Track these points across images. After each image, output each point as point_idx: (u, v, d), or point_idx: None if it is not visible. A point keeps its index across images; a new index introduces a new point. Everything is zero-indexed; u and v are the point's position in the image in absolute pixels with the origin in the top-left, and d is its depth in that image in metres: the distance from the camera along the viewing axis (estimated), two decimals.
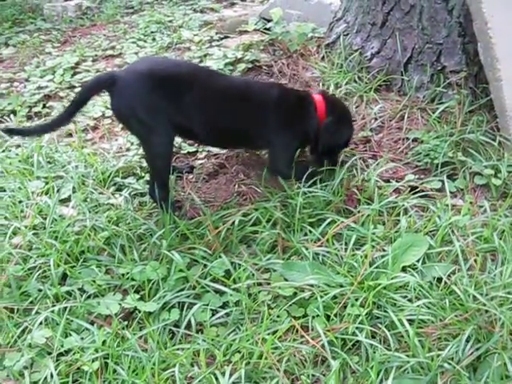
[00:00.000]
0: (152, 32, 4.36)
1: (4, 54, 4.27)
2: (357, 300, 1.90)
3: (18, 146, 2.86)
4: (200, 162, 2.72)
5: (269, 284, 2.02)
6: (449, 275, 2.03)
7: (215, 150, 2.78)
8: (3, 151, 2.83)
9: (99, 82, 2.34)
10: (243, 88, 2.47)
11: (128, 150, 2.81)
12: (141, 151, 2.74)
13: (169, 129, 2.27)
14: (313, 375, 1.76)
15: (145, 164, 2.67)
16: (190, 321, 1.89)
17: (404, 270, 2.04)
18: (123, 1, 5.52)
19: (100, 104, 3.24)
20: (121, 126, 3.03)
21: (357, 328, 1.83)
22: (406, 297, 1.93)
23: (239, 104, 2.39)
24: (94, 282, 2.03)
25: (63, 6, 5.15)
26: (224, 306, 1.97)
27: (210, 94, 2.33)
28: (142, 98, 2.22)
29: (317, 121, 2.45)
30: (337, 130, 2.49)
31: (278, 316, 1.91)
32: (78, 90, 3.47)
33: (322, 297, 1.91)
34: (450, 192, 2.44)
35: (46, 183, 2.50)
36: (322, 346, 1.79)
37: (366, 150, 2.75)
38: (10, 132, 2.49)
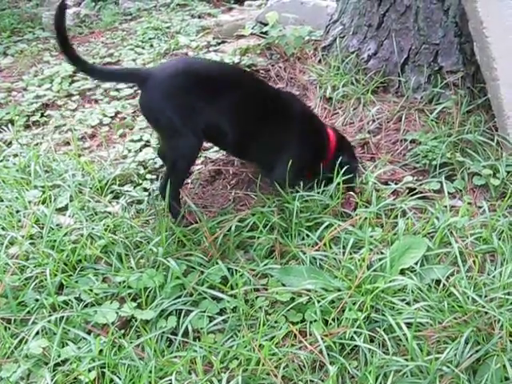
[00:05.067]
0: (150, 38, 4.36)
1: (2, 63, 4.25)
2: (354, 304, 1.88)
3: (16, 155, 2.86)
4: (197, 167, 2.71)
5: (266, 289, 2.01)
6: (447, 277, 2.01)
7: (213, 155, 2.78)
8: (1, 161, 2.82)
9: (132, 74, 2.34)
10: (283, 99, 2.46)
11: (125, 157, 2.80)
12: (138, 158, 2.74)
13: (199, 131, 2.20)
14: (311, 381, 1.74)
15: (142, 171, 2.67)
16: (187, 328, 1.88)
17: (402, 272, 2.03)
18: (121, 8, 5.53)
19: (98, 112, 3.24)
20: (119, 133, 3.04)
21: (355, 332, 1.82)
22: (404, 300, 1.91)
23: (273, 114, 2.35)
24: (91, 290, 2.02)
25: None
26: (221, 312, 1.95)
27: (246, 97, 2.28)
28: (174, 96, 2.16)
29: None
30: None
31: (275, 322, 1.89)
32: (75, 98, 3.48)
33: (319, 301, 1.89)
34: (449, 193, 2.42)
35: (43, 192, 2.49)
36: (320, 352, 1.77)
37: (363, 153, 2.75)
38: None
